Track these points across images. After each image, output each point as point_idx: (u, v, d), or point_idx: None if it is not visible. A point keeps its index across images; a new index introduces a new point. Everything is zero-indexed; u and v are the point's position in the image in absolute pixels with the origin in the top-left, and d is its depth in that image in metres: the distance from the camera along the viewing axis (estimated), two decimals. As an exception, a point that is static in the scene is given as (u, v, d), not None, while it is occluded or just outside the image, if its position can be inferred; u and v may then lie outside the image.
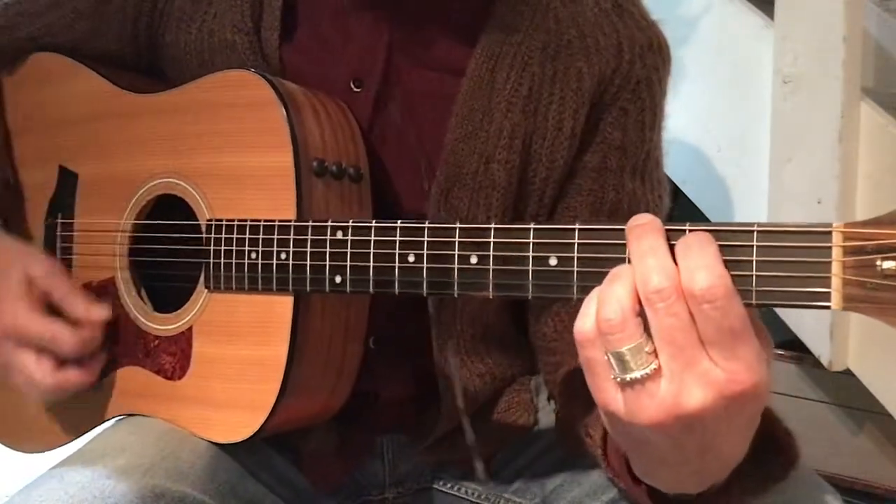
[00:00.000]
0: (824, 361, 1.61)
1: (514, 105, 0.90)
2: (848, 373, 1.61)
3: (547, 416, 1.01)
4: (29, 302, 0.88)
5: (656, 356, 0.57)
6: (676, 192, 2.00)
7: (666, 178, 1.00)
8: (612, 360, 0.57)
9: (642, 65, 0.93)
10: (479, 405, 0.98)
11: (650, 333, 0.57)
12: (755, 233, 0.59)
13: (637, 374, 0.56)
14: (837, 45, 1.56)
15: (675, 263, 0.57)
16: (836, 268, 0.57)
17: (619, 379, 0.57)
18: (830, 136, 1.57)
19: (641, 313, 0.57)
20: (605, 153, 0.94)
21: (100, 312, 0.89)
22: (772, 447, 0.68)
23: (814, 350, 1.64)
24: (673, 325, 0.56)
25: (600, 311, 0.57)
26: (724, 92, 1.91)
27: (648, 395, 0.57)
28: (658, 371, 0.56)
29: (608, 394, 0.59)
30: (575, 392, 0.85)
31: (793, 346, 1.74)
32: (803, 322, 1.65)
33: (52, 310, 0.89)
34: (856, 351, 1.59)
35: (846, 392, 1.74)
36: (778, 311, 1.68)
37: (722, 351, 0.55)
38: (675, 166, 1.95)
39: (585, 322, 0.58)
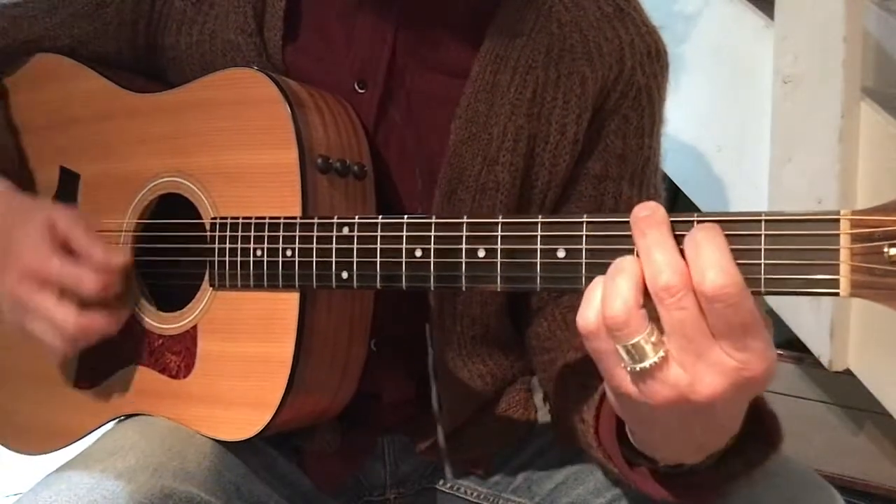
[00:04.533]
0: (824, 361, 1.61)
1: (518, 108, 0.90)
2: (848, 373, 1.61)
3: (547, 415, 1.01)
4: (51, 245, 0.85)
5: (664, 344, 0.58)
6: (676, 192, 2.01)
7: (662, 184, 1.01)
8: (622, 352, 0.59)
9: (643, 72, 0.93)
10: (480, 405, 0.98)
11: (657, 321, 0.58)
12: (763, 222, 0.59)
13: (647, 364, 0.58)
14: (837, 45, 1.55)
15: (684, 256, 0.58)
16: (843, 255, 0.58)
17: (629, 368, 0.59)
18: (830, 136, 1.57)
19: (646, 304, 0.58)
20: (606, 161, 0.94)
21: (119, 258, 0.86)
22: (757, 432, 0.70)
23: (814, 350, 1.64)
24: (682, 318, 0.57)
25: (605, 307, 0.58)
26: (724, 92, 1.91)
27: (661, 382, 0.58)
28: (667, 358, 0.58)
29: (620, 379, 0.61)
30: (567, 385, 0.87)
31: (793, 346, 1.74)
32: (803, 322, 1.65)
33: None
34: (856, 351, 1.59)
35: (846, 392, 1.74)
36: (778, 311, 1.68)
37: (733, 342, 0.57)
38: (674, 166, 1.96)
39: (588, 315, 0.60)
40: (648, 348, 0.58)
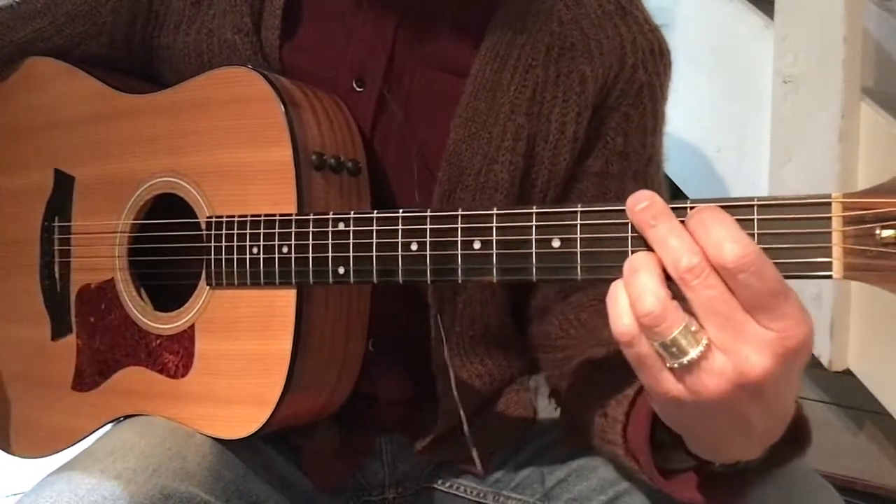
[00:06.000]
0: (824, 361, 1.60)
1: (518, 107, 0.90)
2: (848, 373, 1.61)
3: (547, 414, 1.01)
4: None
5: (704, 333, 0.57)
6: (676, 193, 2.00)
7: (665, 182, 1.01)
8: (663, 350, 0.58)
9: (644, 70, 0.93)
10: (478, 405, 0.98)
11: (690, 313, 0.58)
12: (755, 207, 0.60)
13: (693, 356, 0.57)
14: (837, 45, 1.55)
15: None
16: (836, 237, 0.58)
17: (676, 365, 0.58)
18: (830, 136, 1.57)
19: (675, 297, 0.58)
20: (607, 158, 0.94)
21: None
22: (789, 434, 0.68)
23: (814, 350, 1.63)
24: (713, 297, 0.57)
25: (637, 307, 0.58)
26: (724, 92, 1.91)
27: (708, 373, 0.57)
28: (710, 346, 0.57)
29: (667, 382, 0.59)
30: (588, 379, 0.85)
31: (793, 346, 1.73)
32: (803, 322, 1.64)
33: None
34: (856, 351, 1.59)
35: (846, 392, 1.74)
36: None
37: (767, 313, 0.56)
38: (674, 166, 1.95)
39: (623, 320, 0.59)
40: (689, 340, 0.57)
